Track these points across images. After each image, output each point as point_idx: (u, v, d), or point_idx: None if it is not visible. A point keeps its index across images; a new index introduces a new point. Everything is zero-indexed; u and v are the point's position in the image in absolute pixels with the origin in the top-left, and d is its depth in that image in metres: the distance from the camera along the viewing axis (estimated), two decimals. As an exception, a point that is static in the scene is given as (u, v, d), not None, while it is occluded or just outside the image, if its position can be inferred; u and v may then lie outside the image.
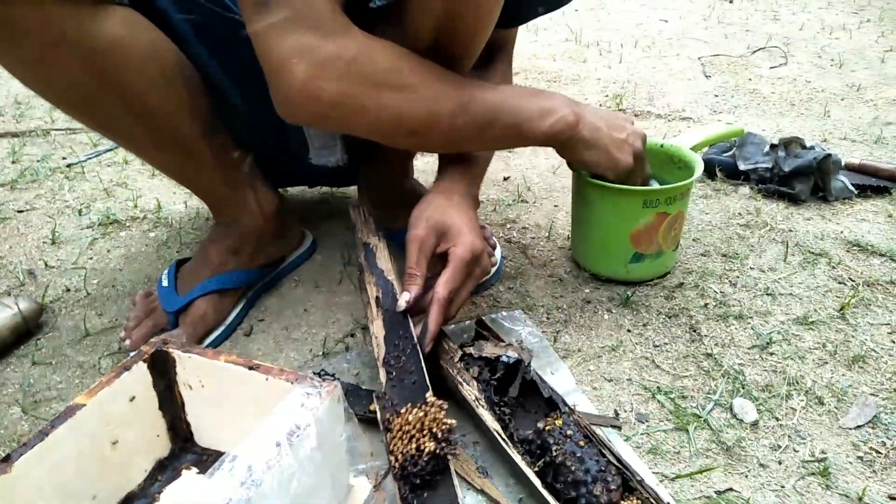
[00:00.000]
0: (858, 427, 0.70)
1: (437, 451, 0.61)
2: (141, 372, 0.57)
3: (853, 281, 0.93)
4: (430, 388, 0.64)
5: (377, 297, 0.75)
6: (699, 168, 0.89)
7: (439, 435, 0.61)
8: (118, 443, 0.56)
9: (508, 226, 1.09)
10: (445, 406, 0.64)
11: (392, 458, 0.61)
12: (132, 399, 0.56)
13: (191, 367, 0.58)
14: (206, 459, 0.61)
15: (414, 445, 0.61)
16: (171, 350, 0.58)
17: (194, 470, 0.56)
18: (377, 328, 0.73)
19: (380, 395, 0.68)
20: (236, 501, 0.43)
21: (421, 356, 0.69)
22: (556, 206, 1.16)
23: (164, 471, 0.60)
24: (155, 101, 0.72)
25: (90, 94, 0.69)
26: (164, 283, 0.86)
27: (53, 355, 0.81)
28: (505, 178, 1.27)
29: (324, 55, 0.64)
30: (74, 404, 0.52)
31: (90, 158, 1.36)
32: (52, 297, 0.92)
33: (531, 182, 1.25)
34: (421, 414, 0.63)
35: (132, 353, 0.60)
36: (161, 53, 0.72)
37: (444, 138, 0.75)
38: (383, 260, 0.80)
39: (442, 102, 0.70)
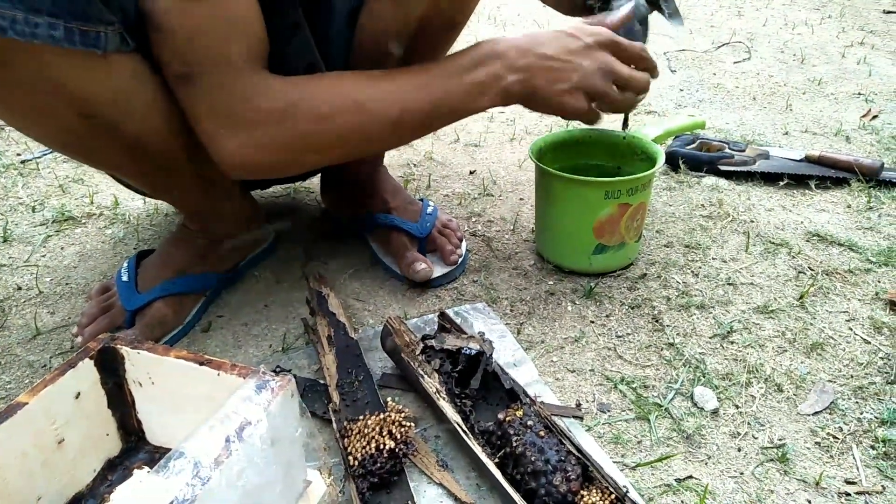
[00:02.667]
0: (816, 413, 0.70)
1: (397, 449, 0.60)
2: (87, 369, 0.55)
3: (812, 270, 0.94)
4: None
5: (329, 336, 0.77)
6: (661, 159, 0.89)
7: (398, 436, 0.61)
8: (64, 442, 0.54)
9: (474, 219, 1.09)
10: (405, 410, 0.63)
11: (351, 458, 0.61)
12: (78, 396, 0.54)
13: (140, 364, 0.56)
14: (159, 458, 0.60)
15: (374, 445, 0.60)
16: (119, 346, 0.56)
17: (146, 469, 0.54)
18: (328, 362, 0.74)
19: (335, 409, 0.67)
20: (182, 499, 0.42)
21: (375, 385, 0.71)
22: (521, 199, 1.16)
23: (115, 470, 0.59)
24: (152, 143, 0.69)
25: (83, 139, 0.66)
26: (124, 277, 0.83)
27: (2, 355, 0.79)
28: (471, 172, 1.26)
29: (246, 126, 0.66)
30: (15, 403, 0.50)
31: (45, 155, 1.32)
32: (2, 296, 0.89)
33: (497, 176, 1.24)
34: (380, 418, 0.62)
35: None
36: (164, 104, 0.67)
37: (387, 146, 0.86)
38: (334, 305, 0.82)
39: (374, 126, 0.71)
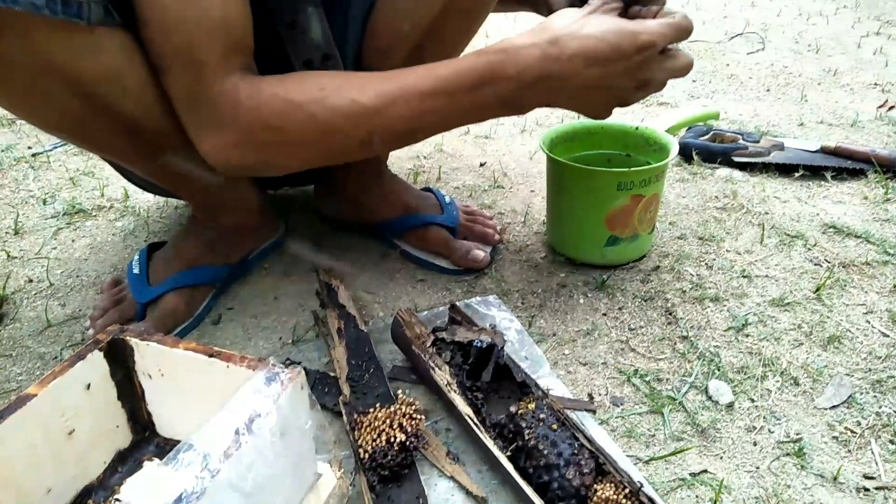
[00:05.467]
0: (834, 407, 0.69)
1: (408, 443, 0.59)
2: (97, 360, 0.55)
3: (829, 262, 0.92)
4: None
5: (339, 329, 0.76)
6: (674, 150, 0.88)
7: (409, 429, 0.60)
8: (74, 434, 0.54)
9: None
10: (416, 403, 0.63)
11: (361, 451, 0.60)
12: (88, 388, 0.54)
13: (149, 356, 0.56)
14: (169, 450, 0.59)
15: (384, 438, 0.60)
16: (128, 338, 0.56)
17: (156, 461, 0.54)
18: (339, 354, 0.73)
19: (346, 402, 0.67)
20: (191, 492, 0.41)
21: (385, 377, 0.71)
22: (532, 191, 1.14)
23: (125, 462, 0.59)
24: (151, 124, 0.68)
25: (82, 121, 0.65)
26: (136, 269, 0.83)
27: (13, 347, 0.79)
28: (481, 164, 1.25)
29: (214, 126, 0.65)
30: (25, 395, 0.50)
31: (56, 148, 1.32)
32: (13, 288, 0.89)
33: (507, 167, 1.24)
34: (390, 410, 0.62)
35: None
36: (157, 84, 0.66)
37: (363, 157, 0.76)
38: (344, 298, 0.81)
39: (341, 145, 0.68)
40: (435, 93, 0.64)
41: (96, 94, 0.62)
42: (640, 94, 0.67)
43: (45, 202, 1.12)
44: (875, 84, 1.62)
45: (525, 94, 0.64)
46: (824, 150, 1.20)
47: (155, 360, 0.56)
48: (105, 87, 0.62)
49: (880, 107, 1.48)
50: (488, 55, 0.64)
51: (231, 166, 0.69)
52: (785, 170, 1.18)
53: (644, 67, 0.64)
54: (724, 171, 1.18)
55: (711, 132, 1.27)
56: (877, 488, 0.60)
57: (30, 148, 1.33)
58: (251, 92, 0.64)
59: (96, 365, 0.55)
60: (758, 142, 1.22)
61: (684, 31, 0.65)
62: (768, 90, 1.61)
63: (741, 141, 1.23)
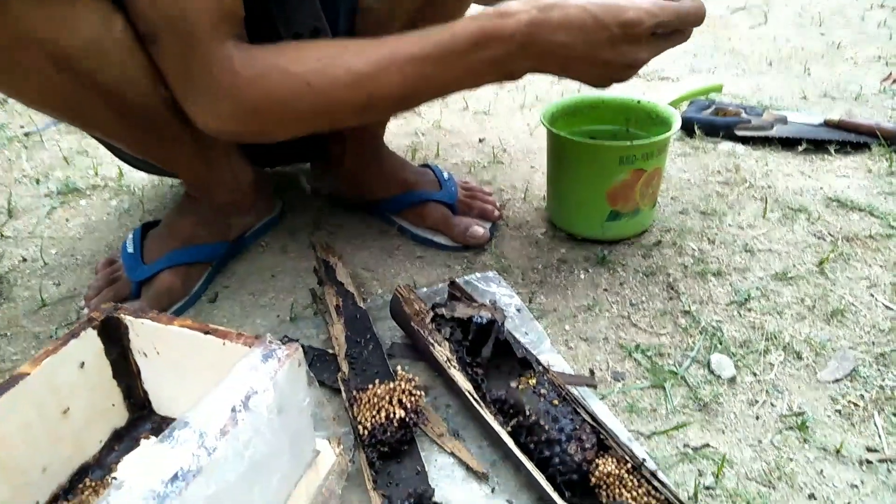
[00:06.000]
0: (837, 381, 0.69)
1: (407, 419, 0.59)
2: (91, 339, 0.54)
3: (832, 236, 0.91)
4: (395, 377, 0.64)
5: (337, 306, 0.76)
6: (676, 123, 0.87)
7: (409, 405, 0.59)
8: (69, 412, 0.53)
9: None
10: (415, 379, 0.62)
11: (360, 427, 0.60)
12: (82, 366, 0.53)
13: (144, 334, 0.55)
14: (166, 428, 0.59)
15: (383, 414, 0.59)
16: (122, 316, 0.55)
17: (152, 439, 0.53)
18: (337, 331, 0.73)
19: (344, 379, 0.66)
20: (187, 470, 0.41)
21: (384, 354, 0.70)
22: (532, 167, 1.13)
23: (121, 441, 0.58)
24: (137, 98, 0.67)
25: (67, 96, 0.63)
26: (130, 248, 0.82)
27: (8, 326, 0.78)
28: (480, 140, 1.24)
29: (207, 95, 0.64)
30: (18, 373, 0.49)
31: (49, 127, 1.30)
32: (7, 268, 0.88)
33: (507, 143, 1.22)
34: (390, 387, 0.61)
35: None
36: (141, 56, 0.64)
37: (360, 124, 0.76)
38: (342, 275, 0.81)
39: (337, 111, 0.66)
40: (429, 57, 0.63)
41: (79, 68, 0.61)
42: (632, 72, 0.65)
43: (38, 181, 1.10)
44: (879, 57, 1.60)
45: (515, 59, 0.63)
46: (828, 124, 1.18)
47: (150, 337, 0.55)
48: (87, 59, 0.61)
49: (884, 80, 1.46)
50: (482, 19, 0.63)
51: (228, 135, 0.69)
52: (788, 143, 1.16)
53: (627, 43, 0.62)
54: (726, 146, 1.17)
55: (714, 106, 1.25)
56: (880, 461, 0.60)
57: (22, 127, 1.31)
58: (247, 62, 0.63)
59: (90, 343, 0.54)
60: (760, 115, 1.21)
61: (687, 16, 0.62)
62: (771, 64, 1.59)
63: (744, 115, 1.21)
